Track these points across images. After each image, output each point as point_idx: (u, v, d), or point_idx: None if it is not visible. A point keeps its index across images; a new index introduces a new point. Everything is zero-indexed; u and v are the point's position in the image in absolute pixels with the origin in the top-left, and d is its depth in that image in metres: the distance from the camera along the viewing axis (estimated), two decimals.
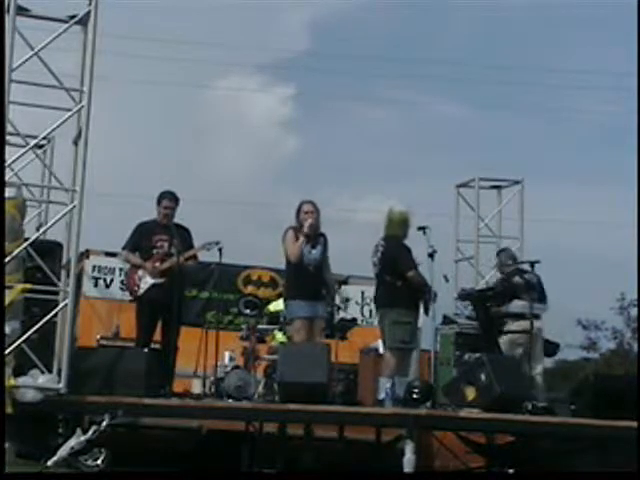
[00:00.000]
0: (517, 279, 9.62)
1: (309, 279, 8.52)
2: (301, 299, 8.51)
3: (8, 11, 7.50)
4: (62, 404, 7.44)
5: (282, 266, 9.11)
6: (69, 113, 7.77)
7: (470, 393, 8.31)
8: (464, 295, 9.77)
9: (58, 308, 7.52)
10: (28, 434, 7.42)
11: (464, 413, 8.12)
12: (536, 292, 9.46)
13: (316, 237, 8.63)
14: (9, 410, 6.94)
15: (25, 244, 7.53)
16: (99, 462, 8.26)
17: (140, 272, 8.57)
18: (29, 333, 7.29)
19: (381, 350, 9.32)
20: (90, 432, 7.02)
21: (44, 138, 9.01)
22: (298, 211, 8.64)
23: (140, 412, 7.86)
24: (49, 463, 6.95)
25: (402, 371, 8.52)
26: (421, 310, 8.66)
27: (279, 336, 9.46)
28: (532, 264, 9.06)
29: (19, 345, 7.22)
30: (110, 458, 7.98)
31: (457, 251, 11.73)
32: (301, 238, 8.51)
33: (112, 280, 12.11)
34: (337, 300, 9.57)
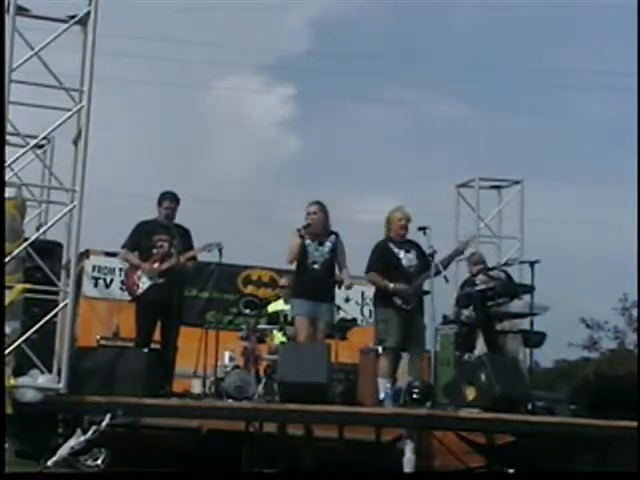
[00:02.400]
0: (483, 277, 9.70)
1: (313, 278, 8.52)
2: (304, 298, 8.52)
3: (8, 11, 7.50)
4: (62, 404, 7.43)
5: (282, 266, 9.12)
6: (69, 113, 7.77)
7: (470, 393, 8.31)
8: (463, 296, 9.77)
9: (58, 308, 7.52)
10: (28, 434, 7.42)
11: (464, 413, 8.12)
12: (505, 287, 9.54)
13: (324, 236, 8.63)
14: (9, 410, 6.93)
15: (25, 244, 7.53)
16: (99, 462, 8.28)
17: (139, 272, 8.56)
18: (29, 333, 7.29)
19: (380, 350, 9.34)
20: (90, 432, 7.01)
21: (44, 138, 9.00)
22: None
23: (140, 412, 7.85)
24: (49, 463, 6.95)
25: (390, 372, 8.55)
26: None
27: (279, 336, 9.46)
28: (532, 264, 9.06)
29: (19, 345, 7.22)
30: (110, 458, 8.01)
31: None
32: (298, 240, 8.52)
33: (112, 280, 12.10)
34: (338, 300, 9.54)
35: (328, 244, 8.63)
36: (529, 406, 8.39)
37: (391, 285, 8.59)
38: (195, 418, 8.92)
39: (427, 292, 8.66)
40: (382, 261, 8.72)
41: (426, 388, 8.19)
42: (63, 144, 8.71)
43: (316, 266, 8.56)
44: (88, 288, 11.98)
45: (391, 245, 8.75)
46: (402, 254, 8.73)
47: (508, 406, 8.18)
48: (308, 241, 8.56)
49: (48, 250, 7.94)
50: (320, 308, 8.53)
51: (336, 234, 8.72)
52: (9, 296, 7.20)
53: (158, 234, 8.60)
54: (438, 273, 8.60)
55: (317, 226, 8.60)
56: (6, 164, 7.51)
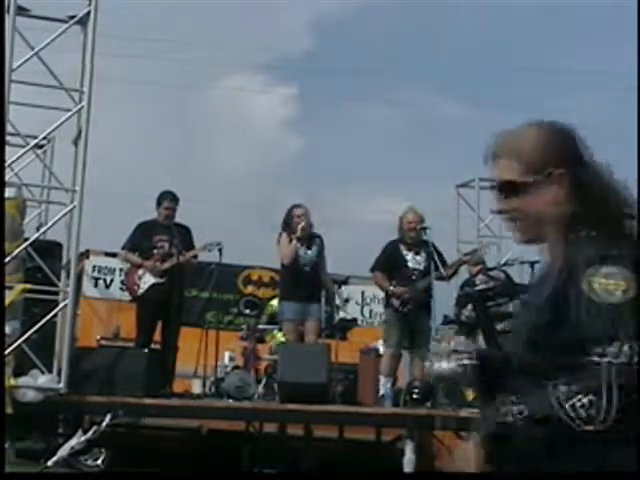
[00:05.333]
0: (483, 277, 9.72)
1: (303, 280, 8.53)
2: (293, 300, 8.53)
3: (8, 11, 7.51)
4: (62, 404, 7.44)
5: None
6: (69, 113, 7.77)
7: (470, 393, 8.31)
8: (463, 296, 9.77)
9: (58, 308, 7.52)
10: (28, 434, 7.41)
11: (464, 413, 8.12)
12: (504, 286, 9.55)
13: (311, 238, 8.65)
14: (9, 410, 6.93)
15: (25, 244, 7.54)
16: (99, 462, 8.26)
17: (140, 272, 8.56)
18: (29, 333, 7.29)
19: (381, 350, 9.34)
20: (90, 432, 7.00)
21: (44, 138, 9.01)
22: (288, 215, 8.66)
23: (140, 412, 7.86)
24: (49, 463, 6.94)
25: (390, 371, 8.58)
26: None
27: (279, 336, 9.45)
28: (532, 264, 9.06)
29: (19, 345, 7.22)
30: (110, 458, 7.98)
31: (457, 251, 11.72)
32: (294, 241, 8.53)
33: (112, 280, 12.10)
34: (337, 300, 9.55)
35: (315, 247, 8.65)
36: None
37: (390, 287, 8.61)
38: (195, 418, 8.91)
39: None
40: (388, 261, 8.75)
41: (426, 388, 8.19)
42: (63, 144, 8.72)
43: (307, 268, 8.57)
44: (88, 288, 11.98)
45: (401, 246, 8.76)
46: (410, 256, 8.71)
47: None
48: (297, 244, 8.57)
49: (48, 250, 7.95)
50: (309, 308, 8.53)
51: (320, 237, 8.73)
52: (9, 296, 7.20)
53: (158, 234, 8.60)
54: (442, 278, 8.63)
55: (306, 230, 8.62)
56: (6, 164, 7.52)
